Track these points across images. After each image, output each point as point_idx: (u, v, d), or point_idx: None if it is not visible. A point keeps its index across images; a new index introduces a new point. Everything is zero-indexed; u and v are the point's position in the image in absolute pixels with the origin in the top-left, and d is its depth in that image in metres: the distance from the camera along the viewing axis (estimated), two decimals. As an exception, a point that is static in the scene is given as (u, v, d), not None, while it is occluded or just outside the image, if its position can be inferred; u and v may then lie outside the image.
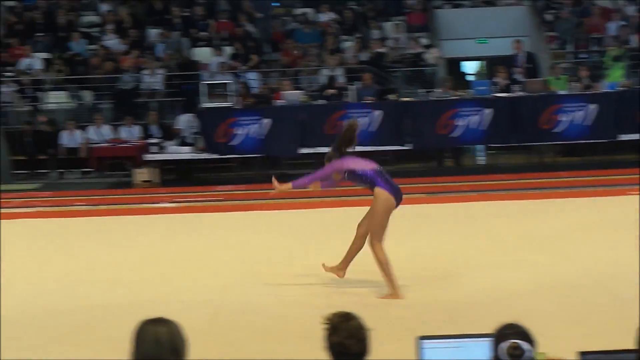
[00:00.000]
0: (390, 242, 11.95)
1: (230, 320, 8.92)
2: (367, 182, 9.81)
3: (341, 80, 23.17)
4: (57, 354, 7.85)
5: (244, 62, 24.16)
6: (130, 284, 10.55)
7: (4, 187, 20.68)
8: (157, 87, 23.69)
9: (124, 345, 7.25)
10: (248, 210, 16.11)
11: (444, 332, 5.55)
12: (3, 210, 17.13)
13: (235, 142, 20.66)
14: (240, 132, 20.64)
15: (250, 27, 25.66)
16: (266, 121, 20.66)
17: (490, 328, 4.29)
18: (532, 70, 22.31)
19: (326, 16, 25.94)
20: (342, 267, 10.10)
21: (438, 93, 21.69)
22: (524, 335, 4.18)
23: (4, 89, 23.71)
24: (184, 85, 23.41)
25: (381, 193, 9.73)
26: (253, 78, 23.61)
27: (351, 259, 10.02)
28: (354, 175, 9.83)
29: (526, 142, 20.80)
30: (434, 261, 11.20)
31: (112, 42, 25.23)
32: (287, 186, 10.15)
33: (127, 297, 9.90)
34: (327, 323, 4.27)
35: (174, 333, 4.01)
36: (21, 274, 11.27)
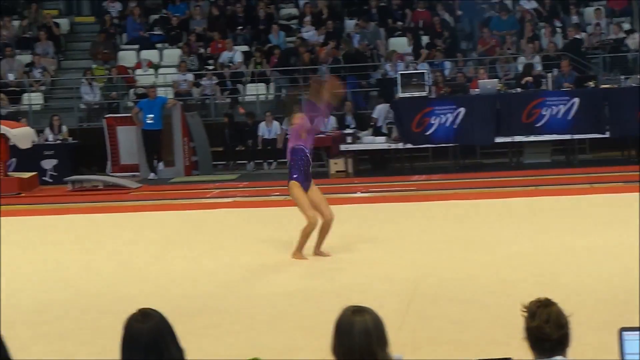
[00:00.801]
0: (594, 232, 11.64)
1: (424, 309, 8.85)
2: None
3: (538, 68, 22.74)
4: (256, 340, 7.93)
5: (440, 51, 24.04)
6: (327, 271, 10.63)
7: (204, 177, 21.25)
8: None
9: (319, 332, 7.27)
10: (442, 199, 16.01)
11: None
12: (203, 200, 17.60)
13: (430, 131, 20.55)
14: (435, 121, 20.52)
15: (447, 16, 25.50)
16: (461, 110, 20.46)
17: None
18: None
19: (525, 3, 25.52)
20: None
21: (639, 79, 21.00)
22: None
23: (205, 82, 24.32)
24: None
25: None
26: (448, 67, 23.48)
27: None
28: None
29: None
30: (634, 251, 10.83)
31: (309, 33, 25.52)
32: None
33: (325, 284, 9.97)
34: (525, 310, 4.16)
35: (378, 322, 3.96)
36: (219, 262, 11.51)
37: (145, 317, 4.01)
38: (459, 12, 25.65)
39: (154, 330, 3.97)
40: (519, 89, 21.39)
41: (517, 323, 4.22)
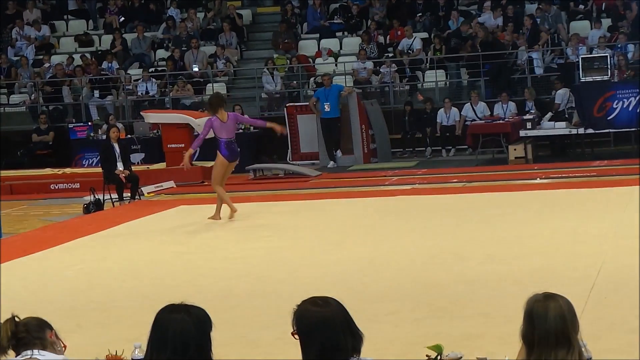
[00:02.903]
0: None
1: (606, 297, 8.70)
2: (217, 146, 14.12)
3: None
4: (436, 327, 7.92)
5: (623, 33, 23.46)
6: (505, 259, 10.54)
7: (383, 165, 21.35)
8: (534, 63, 23.59)
9: (499, 319, 7.23)
10: (623, 185, 15.64)
11: None
12: (382, 188, 17.70)
13: (612, 116, 20.11)
14: (618, 105, 20.06)
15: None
16: (645, 94, 19.97)
17: None
18: None
19: None
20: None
21: None
22: None
23: (384, 69, 24.42)
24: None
25: (219, 156, 14.10)
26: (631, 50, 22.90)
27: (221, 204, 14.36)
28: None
29: None
30: None
31: (486, 17, 25.29)
32: (189, 152, 14.59)
33: (500, 272, 9.90)
34: None
35: (571, 307, 4.02)
36: (394, 248, 11.57)
37: (324, 302, 4.09)
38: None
39: (339, 312, 4.06)
40: None
41: None
